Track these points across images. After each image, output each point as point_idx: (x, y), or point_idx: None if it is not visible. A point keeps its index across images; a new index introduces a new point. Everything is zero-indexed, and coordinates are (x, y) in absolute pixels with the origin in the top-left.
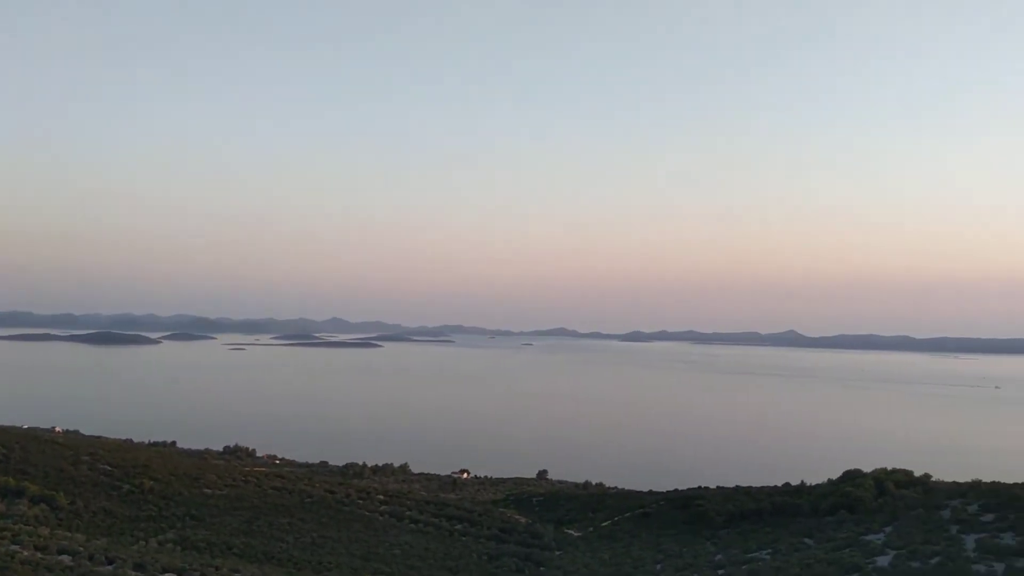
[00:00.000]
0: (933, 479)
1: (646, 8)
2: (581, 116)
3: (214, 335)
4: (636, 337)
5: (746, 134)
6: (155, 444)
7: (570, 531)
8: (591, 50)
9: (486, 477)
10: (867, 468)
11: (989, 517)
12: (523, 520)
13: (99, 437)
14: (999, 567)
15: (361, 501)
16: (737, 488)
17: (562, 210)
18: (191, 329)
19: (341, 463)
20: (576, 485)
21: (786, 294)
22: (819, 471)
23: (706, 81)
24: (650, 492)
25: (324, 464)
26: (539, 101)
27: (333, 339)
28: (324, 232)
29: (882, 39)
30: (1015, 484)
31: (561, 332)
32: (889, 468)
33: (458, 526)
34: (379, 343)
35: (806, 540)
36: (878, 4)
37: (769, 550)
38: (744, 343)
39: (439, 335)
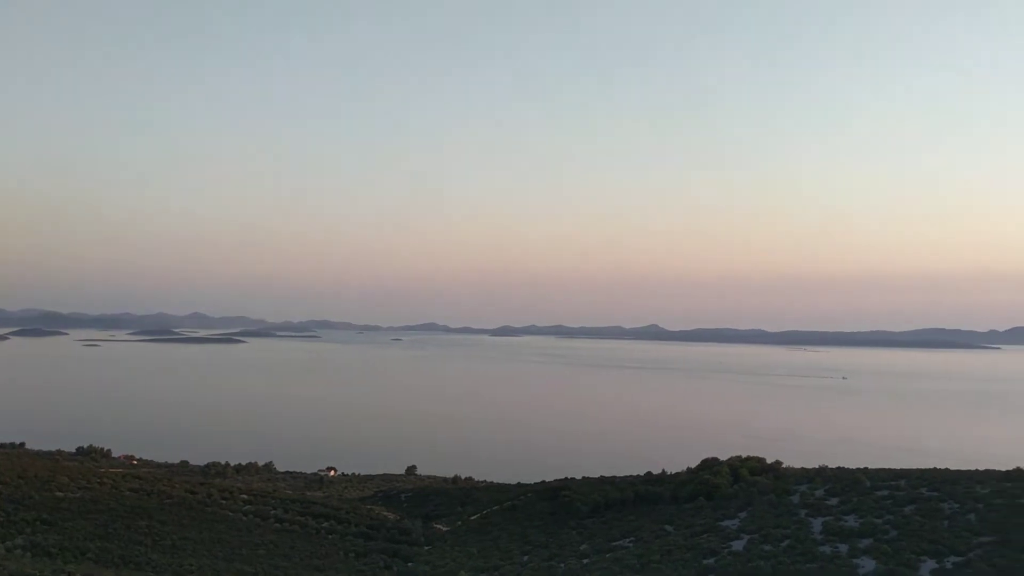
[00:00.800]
0: (784, 465)
1: None
2: (457, 115)
3: (66, 330)
4: (506, 332)
5: (613, 134)
6: (1, 446)
7: (439, 526)
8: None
9: (354, 474)
10: (724, 456)
11: (834, 501)
12: (391, 516)
13: None
14: (843, 548)
15: (224, 501)
16: (602, 478)
17: (432, 206)
18: (41, 324)
19: (202, 462)
20: (445, 480)
21: (649, 290)
22: (679, 460)
23: (575, 77)
24: (518, 485)
25: (184, 464)
26: (414, 94)
27: (194, 335)
28: (185, 225)
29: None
30: (858, 469)
31: (432, 327)
32: (744, 456)
33: (325, 524)
34: (242, 339)
35: (667, 527)
36: None
37: (632, 538)
38: (609, 337)
39: (305, 331)
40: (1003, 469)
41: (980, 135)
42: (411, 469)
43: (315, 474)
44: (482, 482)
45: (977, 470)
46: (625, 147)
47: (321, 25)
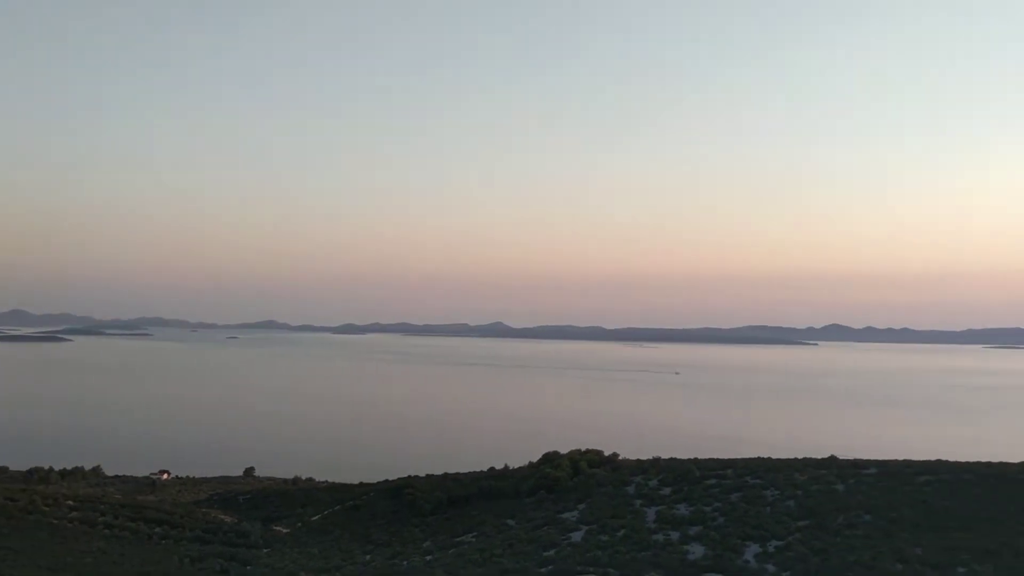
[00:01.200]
0: (620, 457)
1: None
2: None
3: None
4: (349, 330)
5: (452, 132)
6: None
7: (279, 528)
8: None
9: (188, 477)
10: (564, 450)
11: (667, 490)
12: (228, 519)
13: None
14: (675, 535)
15: (47, 508)
16: (446, 475)
17: (272, 198)
18: None
19: (24, 468)
20: (285, 481)
21: (494, 288)
22: (522, 454)
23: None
24: (361, 484)
25: (4, 470)
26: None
27: (14, 333)
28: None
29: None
30: (689, 459)
31: (270, 325)
32: (583, 449)
33: (157, 529)
34: (67, 337)
35: (509, 521)
36: None
37: (475, 533)
38: (455, 335)
39: (135, 328)
40: (819, 457)
41: (799, 140)
42: (249, 471)
43: (147, 478)
44: (323, 482)
45: (796, 458)
46: (462, 145)
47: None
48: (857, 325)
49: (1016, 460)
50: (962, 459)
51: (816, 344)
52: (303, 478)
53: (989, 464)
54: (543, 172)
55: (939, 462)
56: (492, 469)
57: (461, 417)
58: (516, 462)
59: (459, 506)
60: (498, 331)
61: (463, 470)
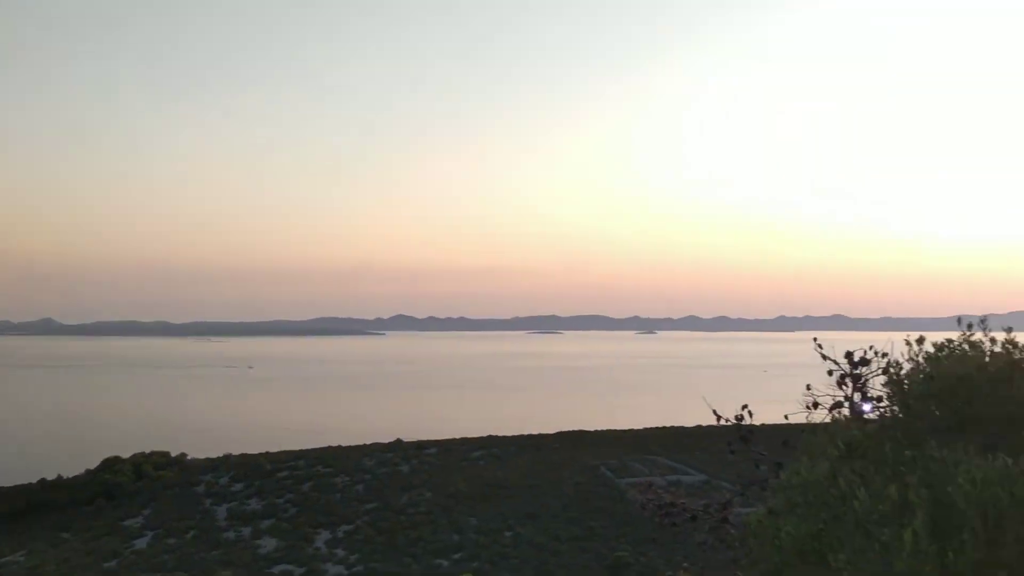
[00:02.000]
0: (189, 457)
1: None
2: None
3: None
4: None
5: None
6: None
7: None
8: None
9: None
10: (127, 454)
11: (239, 487)
12: None
13: None
14: (246, 531)
15: None
16: None
17: None
18: None
19: None
20: None
21: (40, 279)
22: (79, 462)
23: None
24: None
25: None
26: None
27: None
28: None
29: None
30: (260, 454)
31: None
32: (148, 451)
33: None
34: None
35: (64, 534)
36: None
37: (25, 551)
38: None
39: None
40: (386, 441)
41: (400, 143)
42: None
43: None
44: None
45: (366, 444)
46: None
47: None
48: (420, 315)
49: (551, 432)
50: (509, 433)
51: (384, 334)
52: None
53: (531, 436)
54: (89, 155)
55: (490, 437)
56: (43, 480)
57: (3, 425)
58: (71, 471)
59: (4, 523)
60: (46, 328)
61: (7, 483)
